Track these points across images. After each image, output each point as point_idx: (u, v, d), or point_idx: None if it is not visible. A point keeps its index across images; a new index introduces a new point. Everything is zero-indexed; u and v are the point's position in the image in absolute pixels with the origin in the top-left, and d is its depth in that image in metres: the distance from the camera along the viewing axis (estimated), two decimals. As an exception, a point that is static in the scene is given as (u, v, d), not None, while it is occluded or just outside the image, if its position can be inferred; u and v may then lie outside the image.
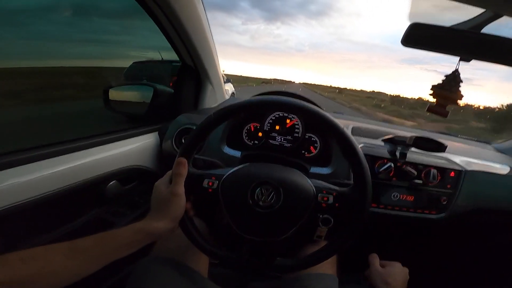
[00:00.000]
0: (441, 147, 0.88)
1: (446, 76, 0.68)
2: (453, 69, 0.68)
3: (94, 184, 0.84)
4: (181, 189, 0.58)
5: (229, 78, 4.70)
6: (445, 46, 0.67)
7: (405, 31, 0.66)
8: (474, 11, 0.67)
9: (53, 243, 0.48)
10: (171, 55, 1.15)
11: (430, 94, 0.70)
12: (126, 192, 1.00)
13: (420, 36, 0.67)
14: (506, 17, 0.63)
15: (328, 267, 0.81)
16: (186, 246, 0.73)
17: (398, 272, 0.77)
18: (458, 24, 0.71)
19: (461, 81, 0.68)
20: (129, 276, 0.67)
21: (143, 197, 1.10)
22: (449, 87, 0.67)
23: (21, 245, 0.69)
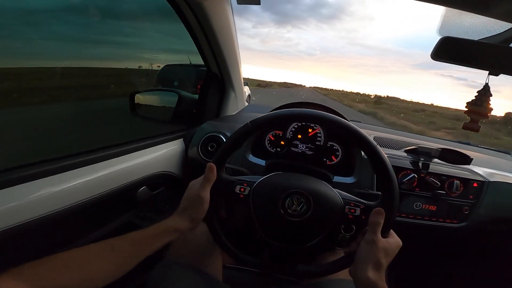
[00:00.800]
0: (467, 160, 0.89)
1: (478, 92, 0.70)
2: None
3: (126, 190, 0.87)
4: (206, 193, 0.61)
5: (246, 82, 4.72)
6: (475, 60, 0.68)
7: (436, 45, 0.67)
8: (504, 25, 0.68)
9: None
10: (197, 59, 1.18)
11: (465, 112, 0.71)
12: (154, 197, 1.03)
13: (450, 50, 0.68)
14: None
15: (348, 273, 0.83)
16: (199, 251, 0.76)
17: (395, 247, 0.60)
18: (487, 38, 0.73)
19: (491, 95, 0.69)
20: (147, 283, 0.69)
21: (168, 202, 1.13)
22: (481, 102, 0.69)
23: (59, 250, 0.71)
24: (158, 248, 0.58)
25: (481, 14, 0.60)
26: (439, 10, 0.72)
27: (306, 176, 0.71)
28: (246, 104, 1.50)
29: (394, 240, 0.60)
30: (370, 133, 1.20)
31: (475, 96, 0.69)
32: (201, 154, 1.06)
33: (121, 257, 0.53)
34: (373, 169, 0.64)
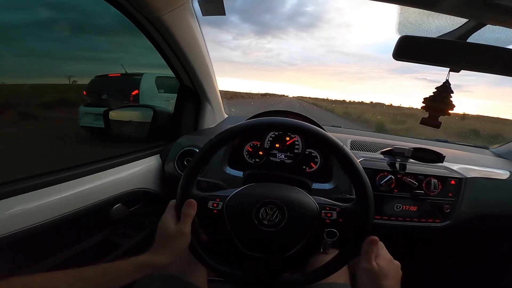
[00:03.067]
0: (440, 158, 0.89)
1: (437, 88, 0.70)
2: (442, 76, 0.69)
3: (100, 208, 0.86)
4: (188, 228, 0.60)
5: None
6: (435, 58, 0.69)
7: (396, 45, 0.68)
8: (459, 20, 0.68)
9: (63, 265, 0.50)
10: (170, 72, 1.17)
11: (422, 107, 0.71)
12: (132, 214, 1.01)
13: (410, 48, 0.68)
14: (490, 26, 0.65)
15: (340, 276, 0.81)
16: (184, 263, 0.74)
17: (393, 269, 0.59)
18: (445, 35, 0.73)
19: (452, 92, 0.69)
20: None
21: (148, 219, 1.10)
22: (440, 99, 0.69)
23: (32, 268, 0.71)
24: (130, 281, 0.56)
25: (431, 10, 0.60)
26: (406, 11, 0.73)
27: (280, 185, 0.71)
28: (226, 116, 1.49)
29: (386, 263, 0.59)
30: (347, 138, 1.21)
31: (433, 92, 0.69)
32: (177, 169, 1.05)
33: (90, 286, 0.51)
34: (344, 172, 0.64)
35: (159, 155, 1.13)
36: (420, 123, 0.75)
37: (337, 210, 0.65)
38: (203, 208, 0.65)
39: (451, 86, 0.69)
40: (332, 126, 1.52)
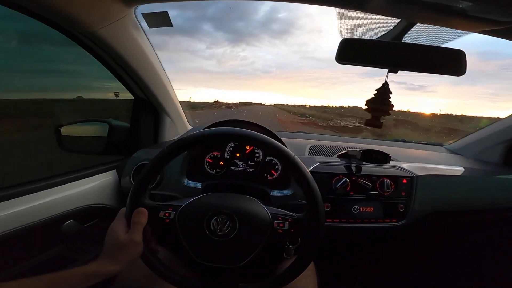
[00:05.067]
0: (387, 158, 0.92)
1: (377, 90, 0.72)
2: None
3: (49, 224, 0.83)
4: (140, 237, 0.60)
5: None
6: (374, 60, 0.71)
7: (338, 48, 0.69)
8: (393, 21, 0.71)
9: (12, 279, 0.47)
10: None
11: (365, 110, 0.73)
12: (87, 229, 0.98)
13: (351, 51, 0.70)
14: (421, 25, 0.68)
15: (308, 282, 0.82)
16: (150, 274, 0.72)
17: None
18: (382, 36, 0.76)
19: (391, 92, 0.71)
20: None
21: (105, 234, 1.05)
22: (381, 100, 0.71)
23: None
24: None
25: (363, 11, 0.63)
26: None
27: (234, 195, 0.71)
28: (190, 127, 1.47)
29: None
30: (308, 143, 1.22)
31: (374, 94, 0.71)
32: (133, 183, 1.01)
33: None
34: (297, 183, 0.64)
35: (115, 170, 1.10)
36: (365, 124, 0.77)
37: (289, 220, 0.65)
38: (155, 218, 0.64)
39: (389, 87, 0.71)
40: (297, 132, 1.54)
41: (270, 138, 0.64)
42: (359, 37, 0.71)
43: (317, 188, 0.63)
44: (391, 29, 0.72)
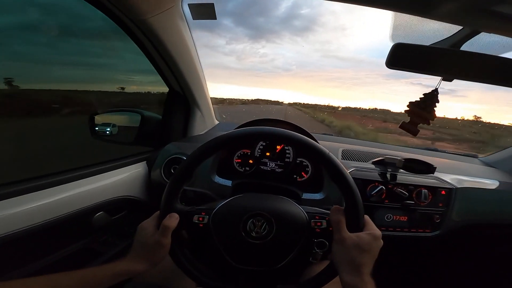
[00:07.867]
0: (431, 169, 0.89)
1: (425, 94, 0.69)
2: (436, 82, 0.68)
3: (80, 215, 0.83)
4: (168, 240, 0.59)
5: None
6: (428, 67, 0.67)
7: (389, 53, 0.66)
8: (454, 27, 0.67)
9: (39, 273, 0.48)
10: (158, 78, 1.13)
11: (406, 111, 0.70)
12: (115, 222, 0.98)
13: (403, 57, 0.67)
14: (484, 33, 0.64)
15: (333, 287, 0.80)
16: (170, 271, 0.72)
17: (374, 247, 0.55)
18: (438, 42, 0.73)
19: (438, 102, 0.68)
20: None
21: (132, 227, 1.06)
22: (424, 106, 0.68)
23: (8, 275, 0.70)
24: None
25: (426, 17, 0.60)
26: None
27: (269, 196, 0.69)
28: (217, 122, 1.47)
29: (366, 233, 0.55)
30: (339, 146, 1.19)
31: (420, 98, 0.68)
32: (164, 177, 1.02)
33: None
34: (333, 181, 0.62)
35: (145, 162, 1.10)
36: (400, 127, 0.74)
37: (327, 218, 0.63)
38: (189, 223, 0.63)
39: (438, 95, 0.68)
40: (323, 134, 1.51)
41: (304, 136, 0.61)
42: (411, 42, 0.69)
43: (355, 185, 0.59)
44: (450, 36, 0.69)
